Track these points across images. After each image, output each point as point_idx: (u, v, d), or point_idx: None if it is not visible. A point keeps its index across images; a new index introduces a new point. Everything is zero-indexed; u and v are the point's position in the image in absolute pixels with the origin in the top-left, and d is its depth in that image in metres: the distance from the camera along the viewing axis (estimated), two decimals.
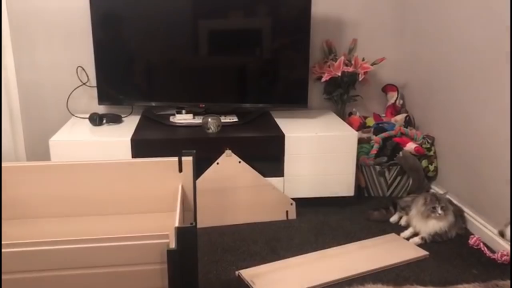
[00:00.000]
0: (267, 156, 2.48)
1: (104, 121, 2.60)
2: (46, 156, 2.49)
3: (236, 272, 1.93)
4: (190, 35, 2.68)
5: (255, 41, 2.70)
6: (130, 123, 2.63)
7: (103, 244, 1.01)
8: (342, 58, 2.73)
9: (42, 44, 2.71)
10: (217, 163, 2.39)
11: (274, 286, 1.84)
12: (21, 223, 1.59)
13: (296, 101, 2.71)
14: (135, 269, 1.04)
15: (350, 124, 2.72)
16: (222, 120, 2.56)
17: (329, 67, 2.75)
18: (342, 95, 2.87)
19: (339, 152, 2.50)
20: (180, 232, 1.00)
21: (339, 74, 2.71)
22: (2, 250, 1.00)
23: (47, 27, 2.69)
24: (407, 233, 2.25)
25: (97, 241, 1.01)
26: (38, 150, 2.81)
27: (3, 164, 1.57)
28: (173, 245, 1.02)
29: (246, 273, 1.91)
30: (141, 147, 2.38)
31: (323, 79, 2.73)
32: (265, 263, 2.00)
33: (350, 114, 2.96)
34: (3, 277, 1.01)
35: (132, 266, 1.04)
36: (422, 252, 2.09)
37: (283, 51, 2.69)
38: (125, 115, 2.72)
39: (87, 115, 2.62)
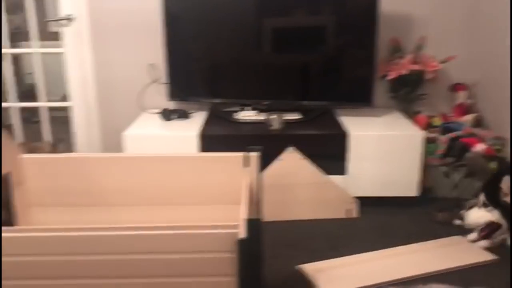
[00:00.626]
0: (330, 154, 2.49)
1: (174, 116, 2.72)
2: (118, 148, 2.65)
3: (297, 267, 1.97)
4: (255, 33, 2.73)
5: (319, 39, 2.72)
6: (197, 119, 2.73)
7: (177, 232, 1.09)
8: (410, 56, 2.69)
9: (117, 42, 2.87)
10: (280, 160, 2.43)
11: (335, 282, 1.86)
12: (97, 210, 1.71)
13: (361, 99, 2.69)
14: (205, 256, 1.10)
15: (416, 124, 2.67)
16: (285, 117, 2.60)
17: (395, 65, 2.72)
18: (408, 93, 2.82)
19: (404, 151, 2.46)
20: (250, 224, 1.05)
21: (406, 72, 2.67)
22: (84, 233, 1.10)
23: (123, 26, 2.85)
24: (473, 236, 2.19)
25: (172, 228, 1.09)
26: (112, 143, 2.98)
27: (82, 155, 1.70)
28: (242, 235, 1.08)
29: (307, 268, 1.95)
30: (207, 142, 2.47)
31: (389, 77, 2.70)
32: (325, 259, 2.03)
33: (416, 113, 2.90)
34: (90, 257, 1.11)
35: (203, 253, 1.10)
36: (490, 256, 2.03)
37: (348, 48, 2.69)
38: (192, 111, 2.83)
39: (158, 111, 2.76)
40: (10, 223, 1.56)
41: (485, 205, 1.38)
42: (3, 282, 1.14)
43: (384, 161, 2.47)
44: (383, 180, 2.50)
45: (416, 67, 2.68)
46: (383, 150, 2.46)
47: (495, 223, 1.53)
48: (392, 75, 2.69)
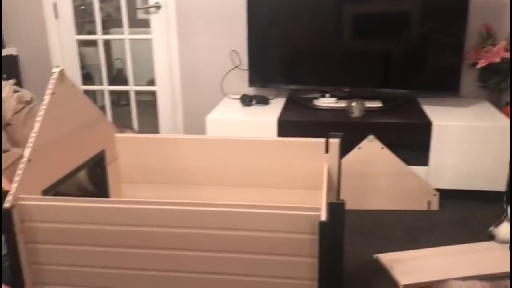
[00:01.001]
0: (411, 144, 2.43)
1: (253, 102, 2.78)
2: (200, 132, 2.75)
3: (374, 256, 1.96)
4: (335, 19, 2.71)
5: (403, 24, 2.64)
6: (277, 105, 2.77)
7: (262, 211, 1.12)
8: (503, 43, 2.54)
9: (202, 28, 2.97)
10: (359, 148, 2.41)
11: (412, 273, 1.82)
12: (182, 188, 1.80)
13: (447, 88, 2.59)
14: (287, 236, 1.13)
15: (506, 115, 2.53)
16: (366, 105, 2.56)
17: (486, 52, 2.58)
18: (499, 83, 2.66)
19: (492, 143, 2.34)
20: (331, 207, 1.07)
21: (498, 60, 2.52)
22: (171, 208, 1.17)
23: (207, 13, 2.93)
24: None
25: (255, 207, 1.13)
26: (194, 127, 3.09)
27: (170, 136, 1.79)
28: (323, 218, 1.09)
29: (385, 258, 1.93)
30: (286, 128, 2.49)
31: (479, 65, 2.57)
32: (403, 250, 1.99)
33: (507, 104, 2.74)
34: (177, 230, 1.18)
35: (285, 233, 1.13)
36: None
37: (434, 34, 2.59)
38: (272, 97, 2.86)
39: (238, 96, 2.82)
40: (106, 196, 1.69)
41: None
42: (97, 249, 1.24)
43: (470, 153, 2.36)
44: (467, 173, 2.39)
45: (508, 55, 2.53)
46: (469, 142, 2.36)
47: None
48: (482, 63, 2.56)
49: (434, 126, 2.37)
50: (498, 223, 1.33)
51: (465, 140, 2.36)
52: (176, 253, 1.21)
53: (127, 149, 1.76)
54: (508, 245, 1.34)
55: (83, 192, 1.85)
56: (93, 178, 1.82)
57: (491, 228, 1.33)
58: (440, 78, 2.60)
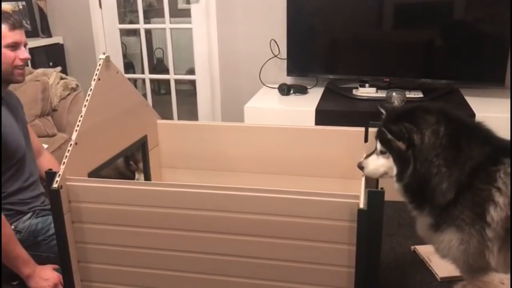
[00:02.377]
0: None
1: (292, 91, 2.78)
2: (238, 119, 2.77)
3: (412, 247, 1.94)
4: (376, 8, 2.66)
5: (446, 13, 2.57)
6: (315, 94, 2.75)
7: (302, 197, 1.14)
8: None
9: (241, 17, 2.98)
10: None
11: (450, 266, 1.79)
12: (221, 175, 1.83)
13: (491, 78, 2.51)
14: (326, 223, 1.14)
15: None
16: (407, 95, 2.52)
17: None
18: None
19: None
20: (371, 195, 1.07)
21: None
22: (218, 192, 1.20)
23: (246, 2, 2.94)
24: None
25: (296, 194, 1.14)
26: (232, 115, 3.12)
27: (210, 123, 1.82)
28: (361, 206, 1.10)
29: (422, 250, 1.90)
30: (324, 117, 2.48)
31: None
32: None
33: None
34: (219, 214, 1.21)
35: (323, 220, 1.14)
36: None
37: (478, 23, 2.51)
38: (310, 87, 2.85)
39: (277, 85, 2.83)
40: (148, 179, 1.74)
41: (381, 152, 1.24)
42: (139, 229, 1.28)
43: None
44: None
45: None
46: None
47: None
48: None
49: (477, 118, 2.30)
50: (368, 155, 1.32)
51: (509, 132, 2.28)
52: (215, 236, 1.24)
53: (168, 135, 1.80)
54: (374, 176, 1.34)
55: (123, 178, 1.92)
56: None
57: (362, 160, 1.32)
58: (485, 68, 2.53)
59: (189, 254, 1.28)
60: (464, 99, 2.54)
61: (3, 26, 1.63)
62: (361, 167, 1.37)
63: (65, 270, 1.33)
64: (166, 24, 3.18)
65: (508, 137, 2.32)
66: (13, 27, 1.65)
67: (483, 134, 1.30)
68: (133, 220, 1.28)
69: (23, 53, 1.69)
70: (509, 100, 2.51)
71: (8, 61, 1.65)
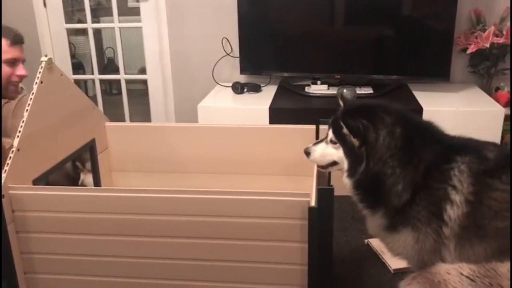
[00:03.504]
0: None
1: (245, 89, 2.78)
2: (192, 120, 2.74)
3: (366, 241, 1.97)
4: (327, 6, 2.70)
5: (394, 10, 2.64)
6: (268, 92, 2.76)
7: (252, 197, 1.13)
8: (492, 28, 2.55)
9: (192, 16, 2.95)
10: None
11: None
12: (173, 177, 1.80)
13: (437, 73, 2.60)
14: (278, 222, 1.14)
15: (497, 100, 2.55)
16: (358, 92, 2.57)
17: (476, 38, 2.59)
18: (489, 68, 2.68)
19: (482, 129, 2.36)
20: (321, 192, 1.08)
21: (488, 45, 2.53)
22: (161, 195, 1.18)
23: (197, 1, 2.91)
24: None
25: (245, 194, 1.14)
26: (185, 115, 3.09)
27: (160, 124, 1.79)
28: (313, 203, 1.10)
29: (376, 243, 1.94)
30: (277, 115, 2.50)
31: (469, 51, 2.58)
32: None
33: (497, 89, 2.75)
34: (166, 218, 1.19)
35: (275, 219, 1.14)
36: None
37: (424, 20, 2.59)
38: (263, 85, 2.86)
39: (230, 84, 2.82)
40: (97, 185, 1.69)
41: (332, 142, 1.27)
42: (88, 237, 1.25)
43: None
44: None
45: (499, 40, 2.54)
46: (460, 127, 2.34)
47: None
48: (472, 48, 2.57)
49: (425, 112, 2.38)
50: (316, 142, 1.35)
51: (456, 126, 2.34)
52: (167, 240, 1.22)
53: (117, 138, 1.76)
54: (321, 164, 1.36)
55: (72, 182, 1.85)
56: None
57: (309, 145, 1.34)
58: (431, 64, 2.61)
59: (141, 260, 1.26)
60: (412, 94, 2.62)
61: (3, 40, 1.56)
62: (307, 152, 1.36)
63: (11, 283, 1.28)
64: (115, 23, 3.11)
65: (456, 131, 2.41)
66: (14, 43, 1.59)
67: (435, 134, 1.32)
68: (82, 227, 1.24)
69: (21, 70, 1.63)
70: (454, 94, 2.61)
71: (5, 76, 1.59)
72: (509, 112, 2.56)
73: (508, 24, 2.63)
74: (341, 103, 1.42)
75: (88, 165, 1.75)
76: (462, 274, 1.00)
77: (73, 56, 3.98)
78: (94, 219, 1.22)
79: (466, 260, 1.19)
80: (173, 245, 1.22)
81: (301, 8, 2.71)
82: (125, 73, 3.24)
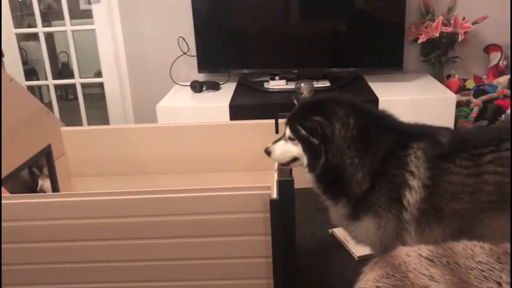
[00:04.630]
0: None
1: (204, 88, 2.76)
2: (151, 120, 2.71)
3: (330, 230, 2.01)
4: (282, 2, 2.72)
5: (347, 4, 2.68)
6: (228, 89, 2.76)
7: (215, 194, 1.13)
8: (441, 18, 2.63)
9: (146, 16, 2.91)
10: None
11: None
12: (134, 178, 1.78)
13: (391, 64, 2.66)
14: (240, 217, 1.15)
15: (448, 87, 2.63)
16: (315, 85, 2.60)
17: (426, 27, 2.67)
18: (440, 56, 2.76)
19: (436, 116, 2.43)
20: (281, 184, 1.09)
21: (437, 35, 2.61)
22: (120, 197, 1.16)
23: (150, 0, 2.87)
24: None
25: (206, 191, 1.14)
26: (144, 116, 3.05)
27: (119, 126, 1.76)
28: (274, 196, 1.12)
29: (339, 232, 1.98)
30: (238, 112, 2.50)
31: (420, 41, 2.66)
32: None
33: (449, 76, 2.85)
34: (127, 220, 1.17)
35: (238, 214, 1.15)
36: None
37: (377, 12, 2.65)
38: (222, 82, 2.86)
39: (188, 83, 2.80)
40: (55, 191, 1.65)
41: (291, 139, 1.33)
42: (48, 244, 1.22)
43: None
44: None
45: (447, 29, 2.63)
46: (415, 115, 2.40)
47: None
48: (422, 38, 2.64)
49: (380, 102, 2.44)
50: (275, 141, 1.39)
51: (411, 113, 2.41)
52: (130, 242, 1.21)
53: (75, 142, 1.73)
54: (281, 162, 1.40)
55: (31, 190, 1.80)
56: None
57: (270, 145, 1.39)
58: (384, 55, 2.67)
59: (105, 264, 1.24)
60: (368, 85, 2.67)
61: None
62: (268, 152, 1.38)
63: None
64: (67, 26, 3.03)
65: (411, 119, 2.47)
66: None
67: (390, 123, 1.36)
68: (41, 235, 1.21)
69: None
70: (408, 83, 2.68)
71: None
72: (460, 98, 2.65)
73: (455, 13, 2.72)
74: (295, 102, 1.45)
75: (46, 169, 1.71)
76: (421, 255, 1.03)
77: (25, 62, 3.86)
78: (52, 225, 1.19)
79: (426, 242, 1.22)
80: (137, 247, 1.21)
81: (256, 4, 2.72)
82: (81, 77, 3.16)
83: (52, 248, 1.22)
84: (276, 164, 1.46)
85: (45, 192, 1.73)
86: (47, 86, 3.23)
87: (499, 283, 0.91)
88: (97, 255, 1.22)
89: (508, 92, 2.58)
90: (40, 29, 3.09)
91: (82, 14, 3.92)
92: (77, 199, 1.17)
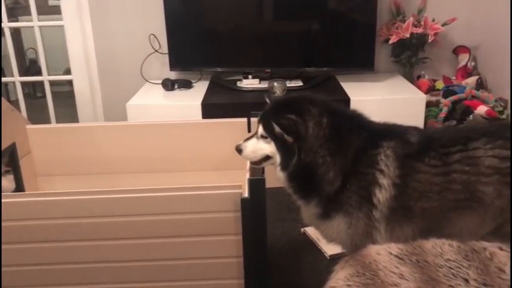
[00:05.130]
0: None
1: (176, 86, 2.73)
2: (122, 118, 2.66)
3: (302, 229, 2.01)
4: (255, 1, 2.71)
5: (320, 4, 2.69)
6: (200, 88, 2.74)
7: (182, 193, 1.11)
8: (411, 19, 2.67)
9: (116, 13, 2.85)
10: None
11: None
12: (103, 178, 1.74)
13: (362, 64, 2.69)
14: (211, 216, 1.13)
15: (418, 87, 2.67)
16: (288, 85, 2.60)
17: (397, 28, 2.70)
18: (410, 57, 2.81)
19: (407, 115, 2.46)
20: (252, 183, 1.08)
21: (408, 35, 2.65)
22: (89, 197, 1.13)
23: None
24: None
25: (177, 190, 1.12)
26: (115, 114, 2.99)
27: (86, 124, 1.72)
28: (245, 195, 1.10)
29: (311, 231, 1.98)
30: (210, 110, 2.48)
31: (391, 41, 2.69)
32: None
33: (419, 77, 2.89)
34: (96, 220, 1.14)
35: (208, 214, 1.13)
36: None
37: (349, 13, 2.67)
38: (195, 81, 2.83)
39: (160, 81, 2.76)
40: (20, 190, 1.60)
41: (263, 137, 1.35)
42: (9, 246, 1.18)
43: None
44: None
45: (417, 30, 2.67)
46: (385, 115, 2.43)
47: None
48: (393, 39, 2.68)
49: (352, 102, 2.45)
50: (247, 138, 1.40)
51: (382, 113, 2.44)
52: (98, 243, 1.18)
53: (41, 141, 1.68)
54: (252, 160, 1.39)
55: None
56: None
57: (241, 142, 1.39)
58: (356, 55, 2.69)
59: (72, 266, 1.20)
60: (340, 85, 2.69)
61: None
62: (239, 149, 1.37)
63: None
64: (34, 22, 2.95)
65: (382, 119, 2.50)
66: None
67: (361, 122, 1.37)
68: (5, 236, 1.17)
69: None
70: (379, 83, 2.71)
71: None
72: (430, 98, 2.69)
73: (426, 14, 2.76)
74: (268, 101, 1.44)
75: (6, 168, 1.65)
76: (391, 253, 1.03)
77: None
78: (18, 226, 1.15)
79: (395, 241, 1.23)
80: (105, 248, 1.18)
81: (230, 2, 2.71)
82: (49, 74, 3.08)
83: (12, 250, 1.18)
84: (248, 163, 1.45)
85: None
86: (14, 83, 3.14)
87: (467, 280, 0.92)
88: (60, 256, 1.18)
89: (476, 93, 2.64)
90: (5, 24, 3.00)
91: (50, 10, 3.82)
92: (40, 199, 1.14)
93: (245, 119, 1.72)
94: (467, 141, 1.24)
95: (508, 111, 2.57)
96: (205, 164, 1.76)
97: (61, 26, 2.90)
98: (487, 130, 1.26)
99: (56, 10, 3.32)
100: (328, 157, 1.27)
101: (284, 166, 1.31)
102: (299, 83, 2.71)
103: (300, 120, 1.26)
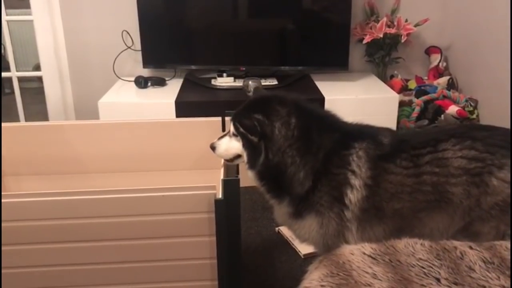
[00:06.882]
0: None
1: (149, 84, 2.69)
2: (93, 116, 2.61)
3: (276, 229, 2.01)
4: None
5: (295, 3, 2.69)
6: (174, 86, 2.70)
7: (158, 194, 1.09)
8: (385, 19, 2.69)
9: (88, 8, 2.79)
10: None
11: None
12: (73, 178, 1.70)
13: (337, 63, 2.70)
14: (185, 217, 1.12)
15: (391, 87, 2.70)
16: (262, 83, 2.60)
17: (370, 28, 2.72)
18: (383, 57, 2.83)
19: (380, 115, 2.49)
20: (226, 183, 1.07)
21: (381, 35, 2.68)
22: (60, 198, 1.10)
23: None
24: None
25: (149, 191, 1.10)
26: (86, 112, 2.93)
27: (56, 123, 1.68)
28: (219, 196, 1.09)
29: (286, 231, 1.98)
30: (184, 108, 2.45)
31: (365, 41, 2.71)
32: None
33: (392, 76, 2.93)
34: (68, 222, 1.11)
35: (182, 215, 1.11)
36: None
37: (323, 12, 2.68)
38: (168, 78, 2.79)
39: (133, 78, 2.72)
40: None
41: (234, 135, 1.37)
42: None
43: None
44: None
45: (391, 30, 2.69)
46: (359, 114, 2.48)
47: None
48: (367, 38, 2.70)
49: (326, 101, 2.46)
50: (221, 137, 1.41)
51: (356, 112, 2.48)
52: (67, 245, 1.15)
53: (8, 139, 1.62)
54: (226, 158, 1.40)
55: None
56: None
57: (215, 141, 1.41)
58: (330, 54, 2.70)
59: (40, 269, 1.17)
60: (314, 84, 2.70)
61: None
62: (213, 147, 1.37)
63: None
64: (2, 16, 2.86)
65: (356, 118, 2.52)
66: None
67: (333, 122, 1.37)
68: None
69: None
70: (353, 83, 2.73)
71: None
72: (403, 98, 2.73)
73: (399, 15, 2.80)
74: (248, 93, 1.43)
75: None
76: (364, 253, 1.04)
77: None
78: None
79: (367, 241, 1.24)
80: (76, 250, 1.15)
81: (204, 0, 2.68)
82: (18, 70, 3.00)
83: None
84: (222, 162, 1.44)
85: None
86: None
87: (438, 280, 0.93)
88: (26, 259, 1.15)
89: (447, 93, 2.68)
90: None
91: (19, 4, 3.72)
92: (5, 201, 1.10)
93: (219, 118, 1.70)
94: (437, 142, 1.26)
95: (479, 110, 2.62)
96: (179, 163, 1.74)
97: (30, 21, 2.82)
98: (456, 131, 1.28)
99: (25, 5, 3.23)
100: (298, 157, 1.27)
101: (251, 164, 1.31)
102: (274, 81, 2.70)
103: (266, 120, 1.26)
